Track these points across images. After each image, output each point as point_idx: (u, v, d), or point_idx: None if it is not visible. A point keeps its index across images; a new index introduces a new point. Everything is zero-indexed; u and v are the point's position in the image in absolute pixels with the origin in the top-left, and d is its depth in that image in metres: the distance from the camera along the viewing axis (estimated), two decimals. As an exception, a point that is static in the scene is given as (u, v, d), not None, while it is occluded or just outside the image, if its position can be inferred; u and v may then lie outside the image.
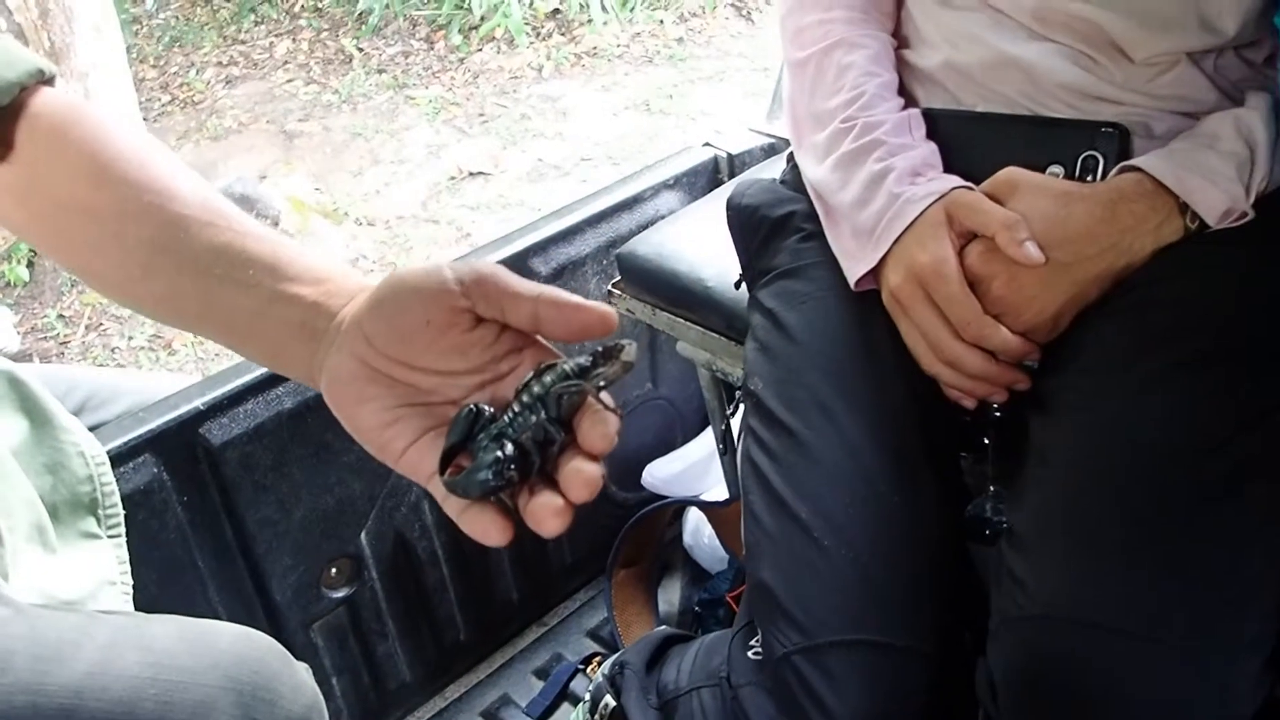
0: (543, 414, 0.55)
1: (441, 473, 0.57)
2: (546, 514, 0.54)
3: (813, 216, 1.10)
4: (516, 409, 0.56)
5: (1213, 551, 0.77)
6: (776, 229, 1.15)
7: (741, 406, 1.11)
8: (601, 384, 0.55)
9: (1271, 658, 0.77)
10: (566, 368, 0.56)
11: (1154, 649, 0.75)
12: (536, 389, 0.56)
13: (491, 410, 0.57)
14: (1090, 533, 0.80)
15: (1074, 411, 0.88)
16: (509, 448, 0.54)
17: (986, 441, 1.04)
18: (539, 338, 0.61)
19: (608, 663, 1.30)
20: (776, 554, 0.93)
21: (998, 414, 1.00)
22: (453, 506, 0.57)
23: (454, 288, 0.57)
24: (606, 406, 0.55)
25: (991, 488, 1.07)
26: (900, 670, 0.86)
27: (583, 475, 0.54)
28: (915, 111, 1.05)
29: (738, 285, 1.25)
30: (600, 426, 0.54)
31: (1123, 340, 0.90)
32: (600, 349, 0.56)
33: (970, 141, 1.03)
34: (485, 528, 0.56)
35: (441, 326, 0.58)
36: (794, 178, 1.18)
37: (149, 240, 0.66)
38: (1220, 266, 0.90)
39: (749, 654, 0.95)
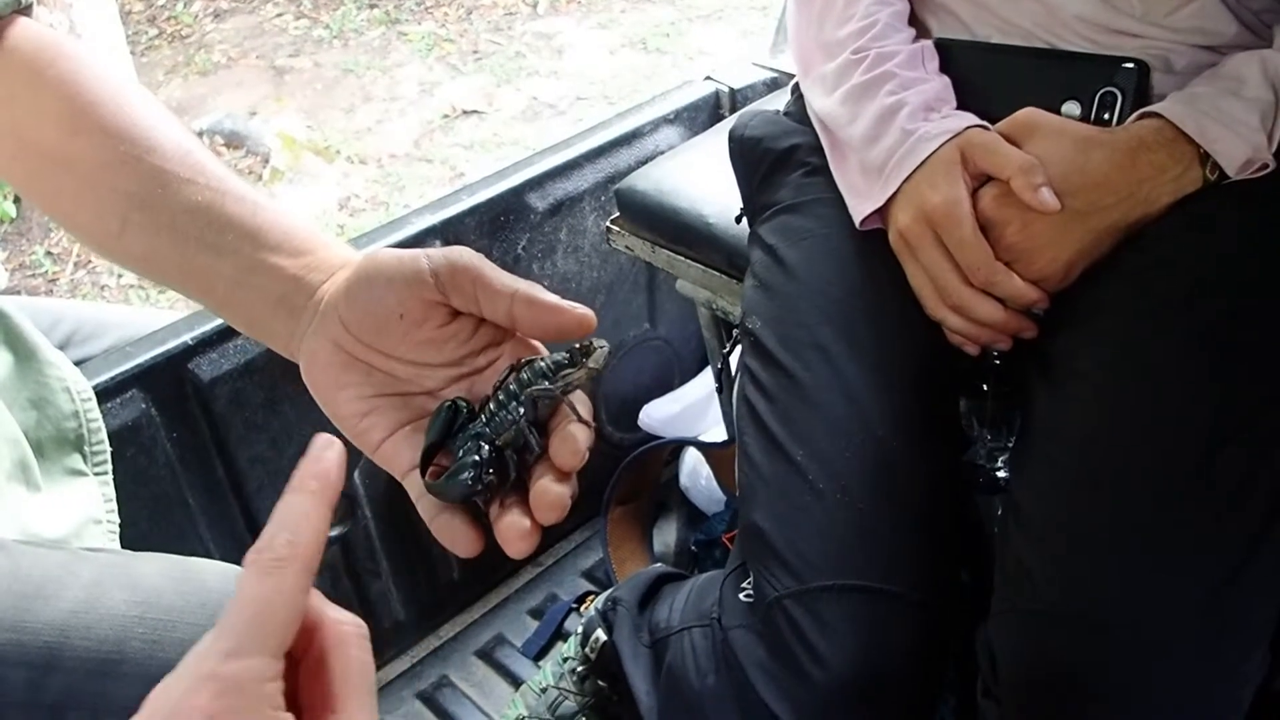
0: (520, 413, 0.54)
1: (423, 473, 0.56)
2: (513, 535, 0.53)
3: (818, 150, 1.07)
4: (493, 407, 0.55)
5: (1227, 549, 0.76)
6: (780, 162, 1.12)
7: (738, 346, 1.09)
8: (569, 388, 0.55)
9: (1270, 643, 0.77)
10: (542, 365, 0.55)
11: (1163, 650, 0.74)
12: (513, 386, 0.55)
13: (469, 406, 0.57)
14: (1101, 530, 0.78)
15: (1087, 387, 0.86)
16: (485, 450, 0.54)
17: (985, 388, 1.03)
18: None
19: (601, 597, 1.29)
20: (770, 497, 0.91)
21: (997, 361, 0.98)
22: (426, 508, 0.57)
23: (428, 279, 0.56)
24: (579, 416, 0.54)
25: (988, 435, 1.06)
26: (892, 616, 0.85)
27: (549, 497, 0.53)
28: (928, 43, 1.02)
29: (739, 220, 1.22)
30: (570, 443, 0.53)
31: (1138, 307, 0.87)
32: (577, 346, 0.55)
33: (985, 74, 1.00)
34: (455, 537, 0.55)
35: (415, 319, 0.57)
36: (799, 110, 1.15)
37: (127, 195, 0.64)
38: (1238, 226, 0.87)
39: (740, 596, 0.94)
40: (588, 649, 1.26)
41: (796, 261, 1.03)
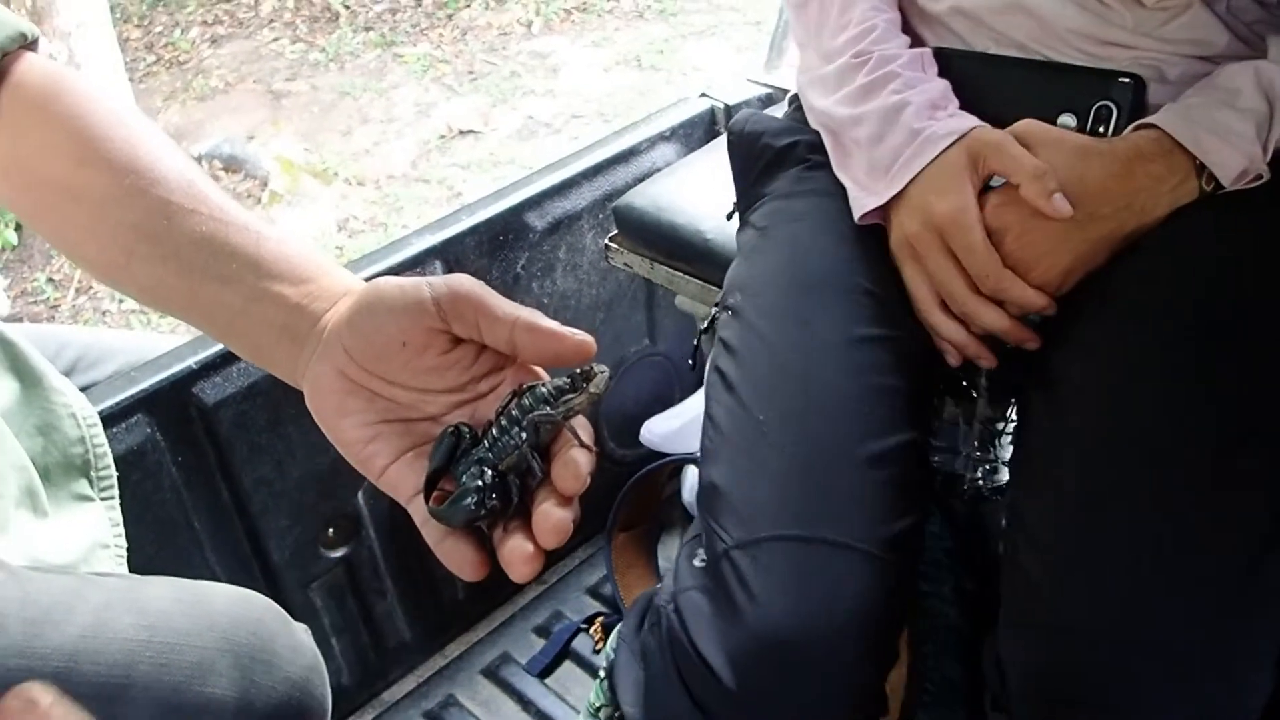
0: (522, 438, 0.55)
1: (427, 499, 0.57)
2: (516, 559, 0.54)
3: (816, 148, 1.08)
4: (496, 433, 0.56)
5: (1231, 564, 0.75)
6: (779, 159, 1.12)
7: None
8: (570, 413, 0.55)
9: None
10: (544, 390, 0.56)
11: (1173, 662, 0.74)
12: (515, 412, 0.56)
13: (472, 432, 0.57)
14: (1109, 545, 0.78)
15: (1089, 401, 0.86)
16: (488, 475, 0.54)
17: (975, 395, 1.03)
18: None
19: (613, 632, 1.28)
20: (731, 454, 0.90)
21: (987, 371, 0.98)
22: (431, 534, 0.57)
23: (430, 308, 0.56)
24: (580, 441, 0.55)
25: (975, 444, 1.06)
26: (841, 567, 0.82)
27: (552, 521, 0.53)
28: (927, 50, 1.03)
29: (730, 216, 1.21)
30: (571, 467, 0.54)
31: (1136, 320, 0.87)
32: (579, 371, 0.56)
33: (981, 83, 1.00)
34: (460, 562, 0.56)
35: (418, 347, 0.57)
36: (798, 118, 1.15)
37: (132, 226, 0.65)
38: (1234, 237, 0.88)
39: (695, 563, 0.91)
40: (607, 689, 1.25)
41: (786, 237, 1.02)
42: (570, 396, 0.55)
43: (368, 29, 5.32)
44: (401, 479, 0.59)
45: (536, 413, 0.55)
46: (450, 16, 5.37)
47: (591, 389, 0.55)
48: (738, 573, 0.83)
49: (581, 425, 0.56)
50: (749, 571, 0.82)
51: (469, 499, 0.54)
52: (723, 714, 0.82)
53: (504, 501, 0.55)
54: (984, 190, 0.92)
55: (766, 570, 0.82)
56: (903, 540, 0.85)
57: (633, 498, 1.70)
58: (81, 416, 0.84)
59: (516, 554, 0.54)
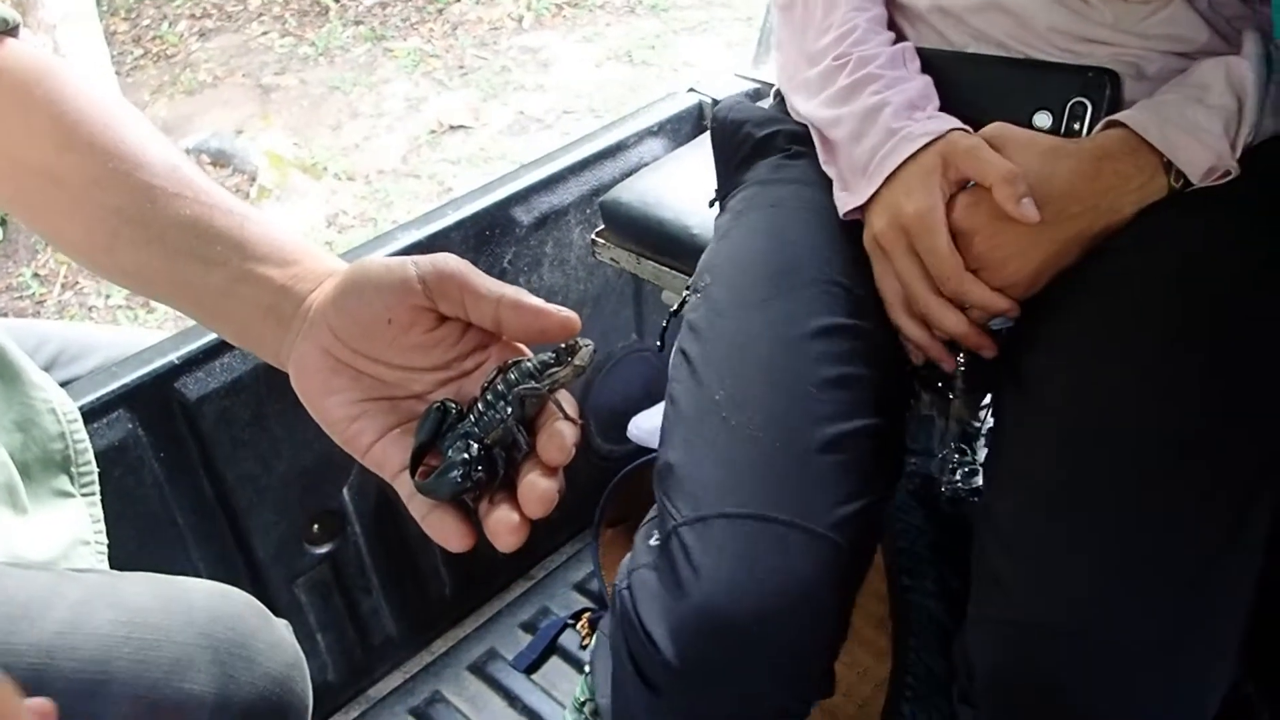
0: (508, 412, 0.55)
1: (413, 473, 0.57)
2: (502, 529, 0.54)
3: (797, 139, 1.09)
4: (481, 408, 0.56)
5: (1195, 557, 0.76)
6: (760, 147, 1.12)
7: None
8: (555, 386, 0.56)
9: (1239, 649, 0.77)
10: (529, 365, 0.56)
11: (1136, 656, 0.74)
12: (500, 387, 0.56)
13: (458, 407, 0.58)
14: (1073, 541, 0.79)
15: (1056, 399, 0.86)
16: (474, 448, 0.55)
17: (952, 397, 1.03)
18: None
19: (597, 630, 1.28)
20: (686, 433, 0.90)
21: (962, 369, 0.99)
22: (418, 508, 0.57)
23: (415, 286, 0.57)
24: (565, 415, 0.56)
25: (952, 445, 1.06)
26: (787, 547, 0.82)
27: (537, 491, 0.54)
28: (908, 45, 1.03)
29: (712, 204, 1.22)
30: (557, 439, 0.55)
31: (1104, 318, 0.88)
32: (563, 345, 0.57)
33: (959, 82, 1.01)
34: (447, 533, 0.56)
35: (403, 325, 0.58)
36: (780, 110, 1.16)
37: (116, 210, 0.65)
38: (1202, 233, 0.88)
39: (650, 543, 0.91)
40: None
41: (759, 222, 1.03)
42: (555, 370, 0.56)
43: (358, 23, 5.31)
44: (387, 456, 0.59)
45: (522, 386, 0.55)
46: (441, 11, 5.36)
47: (576, 362, 0.56)
48: (685, 549, 0.83)
49: (565, 398, 0.56)
50: (695, 548, 0.82)
51: (455, 471, 0.54)
52: (667, 689, 0.83)
53: (490, 474, 0.55)
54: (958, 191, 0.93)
55: (713, 547, 0.82)
56: (854, 522, 0.84)
57: (620, 493, 1.70)
58: (62, 412, 0.84)
59: (502, 524, 0.54)
